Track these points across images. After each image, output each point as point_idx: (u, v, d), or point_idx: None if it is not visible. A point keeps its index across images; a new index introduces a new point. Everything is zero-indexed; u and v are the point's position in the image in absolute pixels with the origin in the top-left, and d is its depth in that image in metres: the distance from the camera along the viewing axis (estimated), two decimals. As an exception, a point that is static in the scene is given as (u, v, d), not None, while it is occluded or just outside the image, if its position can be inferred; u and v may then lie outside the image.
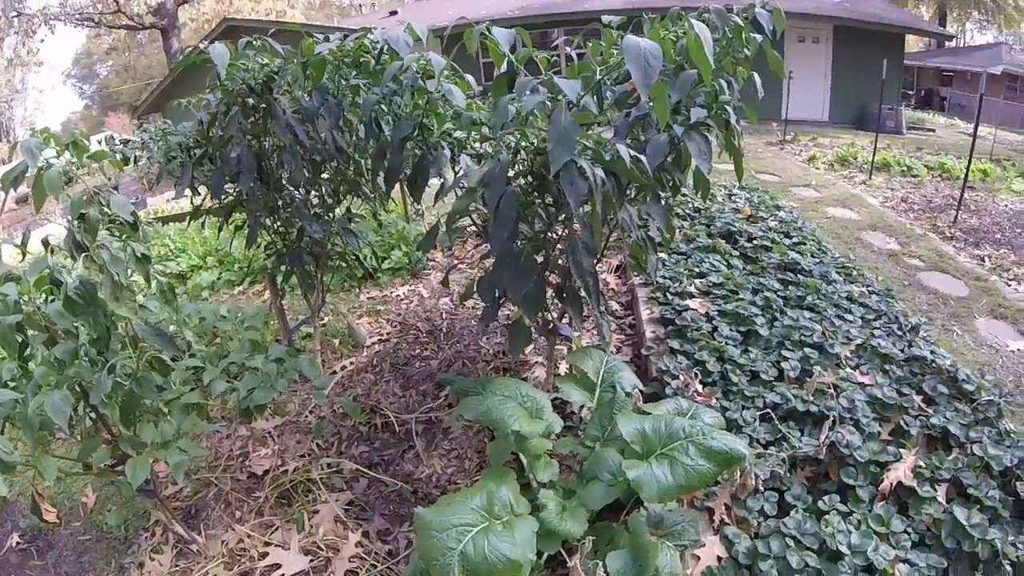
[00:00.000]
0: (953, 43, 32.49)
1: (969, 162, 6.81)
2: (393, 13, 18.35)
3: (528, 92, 1.56)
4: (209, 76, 2.59)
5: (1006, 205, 7.48)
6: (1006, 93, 23.24)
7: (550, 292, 2.22)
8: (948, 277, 4.69)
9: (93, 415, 2.13)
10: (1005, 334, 3.84)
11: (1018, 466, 2.20)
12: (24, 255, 2.06)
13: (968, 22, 37.55)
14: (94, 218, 2.01)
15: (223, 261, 5.56)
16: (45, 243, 1.95)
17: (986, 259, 5.31)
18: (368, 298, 4.41)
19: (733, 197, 5.52)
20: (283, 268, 3.17)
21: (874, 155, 8.76)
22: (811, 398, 2.56)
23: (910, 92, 24.59)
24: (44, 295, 1.97)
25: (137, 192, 12.26)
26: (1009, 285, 4.72)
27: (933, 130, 15.52)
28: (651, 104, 1.66)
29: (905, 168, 8.90)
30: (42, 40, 22.36)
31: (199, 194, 3.07)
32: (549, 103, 1.58)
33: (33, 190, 1.84)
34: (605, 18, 1.84)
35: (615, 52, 1.59)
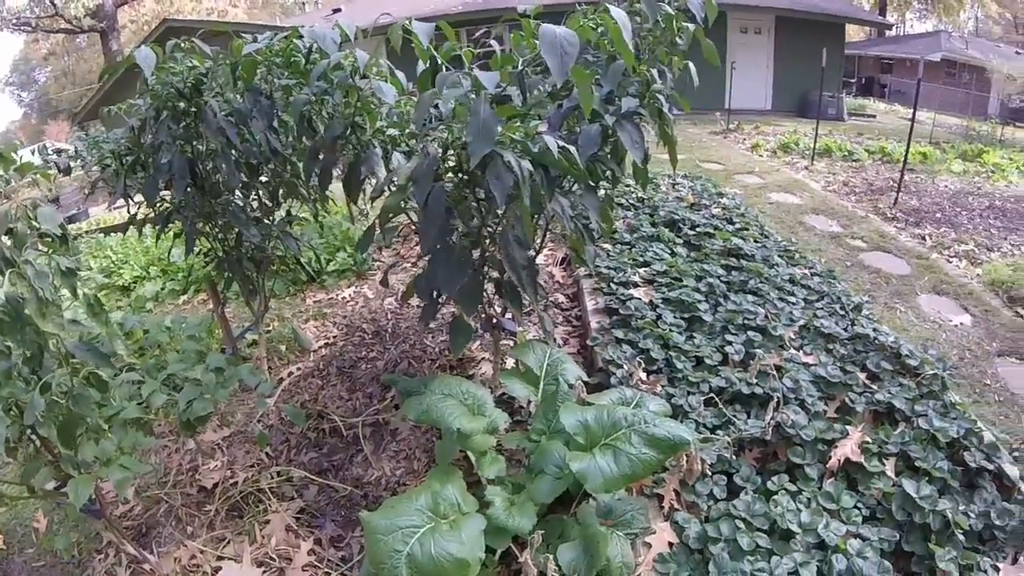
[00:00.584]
0: (893, 32, 33.63)
1: (908, 145, 7.04)
2: (337, 11, 18.05)
3: (448, 86, 1.54)
4: (139, 81, 2.50)
5: (946, 186, 7.77)
6: (945, 79, 24.18)
7: (491, 287, 2.21)
8: (890, 256, 4.84)
9: (34, 436, 2.05)
10: (948, 309, 3.99)
11: (965, 436, 2.26)
12: None
13: (908, 11, 38.96)
14: (22, 232, 1.93)
15: (167, 271, 5.39)
16: None
17: (927, 238, 5.51)
18: (314, 301, 4.34)
19: (677, 186, 5.59)
20: (224, 275, 3.09)
21: (816, 141, 9.00)
22: (755, 380, 2.59)
23: (851, 80, 25.36)
24: None
25: (78, 202, 11.80)
26: (951, 262, 4.92)
27: (874, 116, 16.08)
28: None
29: (846, 153, 9.17)
30: None
31: (133, 202, 2.97)
32: (473, 96, 1.56)
33: None
34: (521, 7, 1.84)
35: (535, 43, 1.59)
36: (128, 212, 3.09)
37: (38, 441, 2.07)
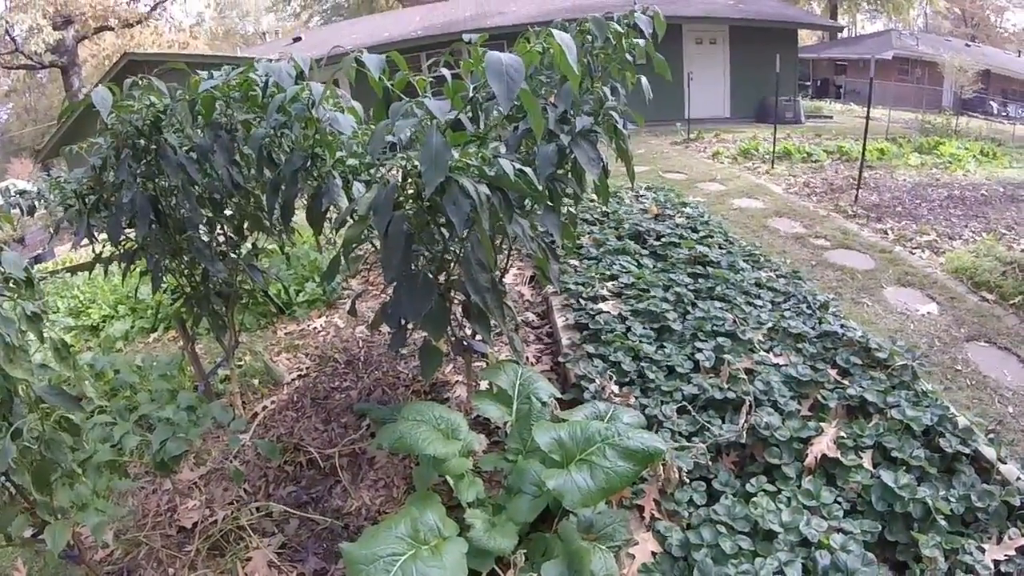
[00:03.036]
0: (845, 34, 34.63)
1: (864, 142, 7.22)
2: (297, 39, 18.15)
3: (401, 116, 1.56)
4: (98, 120, 2.49)
5: (904, 179, 7.97)
6: (898, 76, 24.94)
7: (459, 311, 2.22)
8: (854, 253, 4.96)
9: (8, 483, 2.01)
10: (914, 299, 4.09)
11: (939, 423, 2.31)
12: None
13: (859, 13, 40.17)
14: None
15: (135, 309, 5.30)
16: None
17: (889, 232, 5.63)
18: (285, 333, 4.30)
19: (640, 198, 5.68)
20: (193, 311, 3.05)
21: (774, 145, 9.20)
22: (727, 385, 2.63)
23: (807, 83, 26.05)
24: None
25: (43, 242, 11.56)
26: (913, 253, 5.03)
27: (831, 117, 16.50)
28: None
29: (805, 155, 9.38)
30: None
31: (96, 241, 2.94)
32: (428, 124, 1.58)
33: None
34: (466, 36, 1.87)
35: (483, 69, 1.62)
36: (93, 251, 3.06)
37: (12, 488, 2.03)
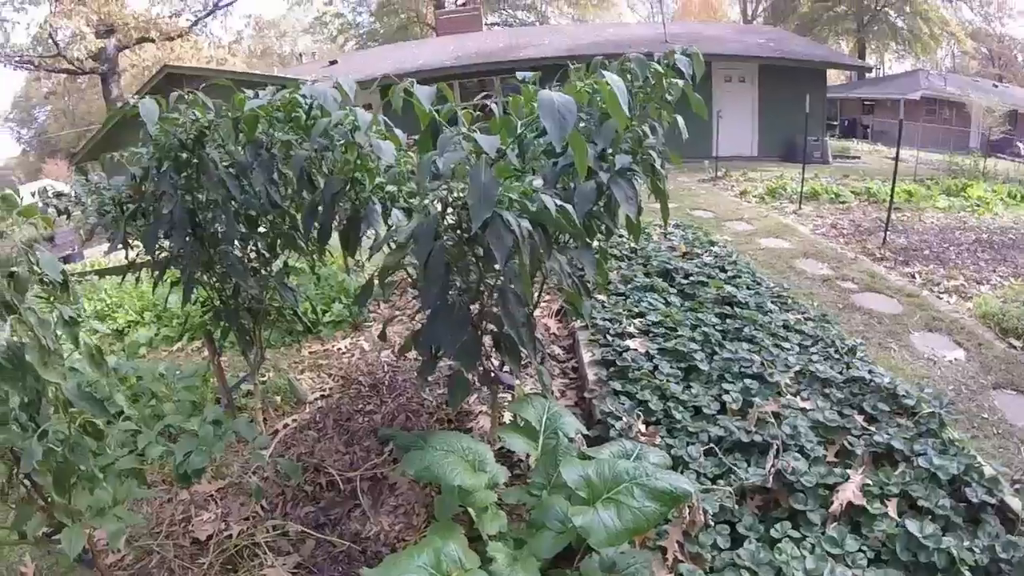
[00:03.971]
0: (873, 73, 34.69)
1: (893, 185, 7.16)
2: (333, 63, 18.55)
3: (450, 148, 1.58)
4: (141, 129, 2.55)
5: (932, 222, 7.87)
6: (926, 116, 24.81)
7: (488, 341, 2.22)
8: (881, 296, 4.89)
9: (27, 482, 2.03)
10: (941, 345, 4.02)
11: (965, 472, 2.28)
12: None
13: (887, 52, 40.26)
14: (24, 277, 1.94)
15: (161, 317, 5.37)
16: None
17: (917, 275, 5.55)
18: (310, 352, 4.32)
19: (669, 235, 5.69)
20: (220, 325, 3.09)
21: (802, 185, 9.16)
22: (754, 428, 2.60)
23: (835, 123, 26.01)
24: None
25: (74, 243, 11.80)
26: (941, 298, 4.96)
27: (858, 157, 16.45)
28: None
29: (833, 195, 9.32)
30: None
31: (132, 248, 2.99)
32: (473, 157, 1.60)
33: None
34: (520, 74, 1.90)
35: (534, 106, 1.65)
36: (126, 257, 3.11)
37: (30, 486, 2.05)
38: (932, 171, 13.41)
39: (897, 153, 7.19)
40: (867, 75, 32.16)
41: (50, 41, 21.77)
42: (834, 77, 30.84)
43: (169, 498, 2.89)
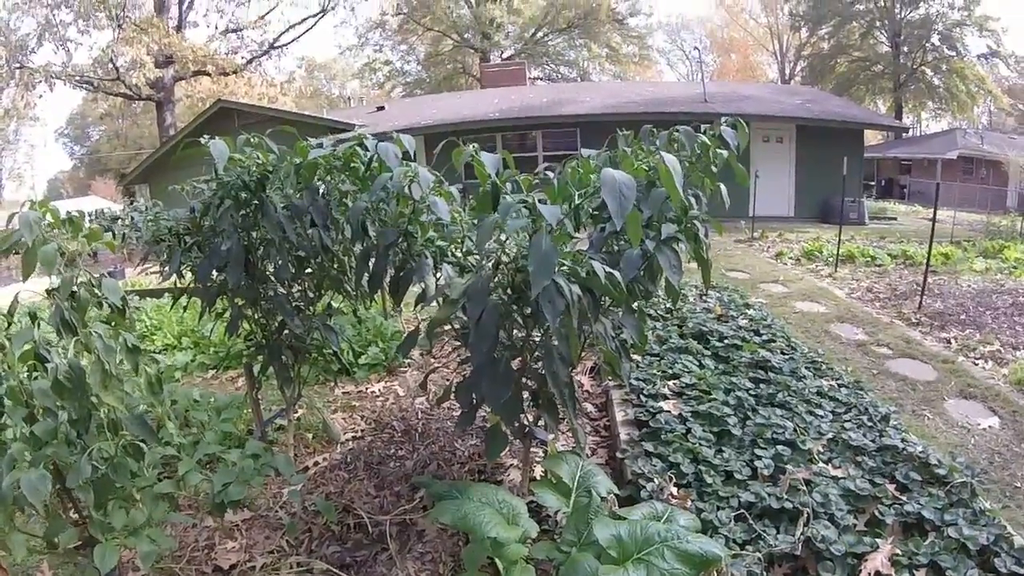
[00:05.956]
0: (910, 133, 34.60)
1: (930, 248, 7.10)
2: (380, 109, 19.16)
3: (512, 215, 1.66)
4: (205, 165, 2.67)
5: (969, 285, 7.72)
6: (963, 176, 24.58)
7: (526, 395, 2.26)
8: (916, 362, 4.82)
9: (63, 494, 2.09)
10: (976, 413, 3.95)
11: (995, 543, 2.25)
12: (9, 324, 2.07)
13: (923, 111, 40.21)
14: (84, 299, 2.04)
15: (198, 343, 5.50)
16: (32, 316, 1.98)
17: (952, 341, 5.45)
18: (343, 393, 4.38)
19: (704, 296, 5.69)
20: (260, 359, 3.17)
21: (839, 248, 9.11)
22: (785, 495, 2.59)
23: (871, 183, 25.88)
24: (28, 370, 1.98)
25: (116, 261, 12.21)
26: (976, 364, 4.86)
27: (895, 218, 16.30)
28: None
29: (869, 258, 9.24)
30: (40, 96, 22.82)
31: (183, 279, 3.10)
32: (539, 228, 1.68)
33: (23, 260, 1.89)
34: (584, 152, 1.99)
35: (592, 179, 1.73)
36: (175, 284, 3.21)
37: (67, 500, 2.11)
38: (969, 232, 13.22)
39: (934, 216, 7.13)
40: (904, 135, 32.09)
41: (110, 65, 22.77)
42: (871, 136, 30.83)
43: (194, 524, 2.92)
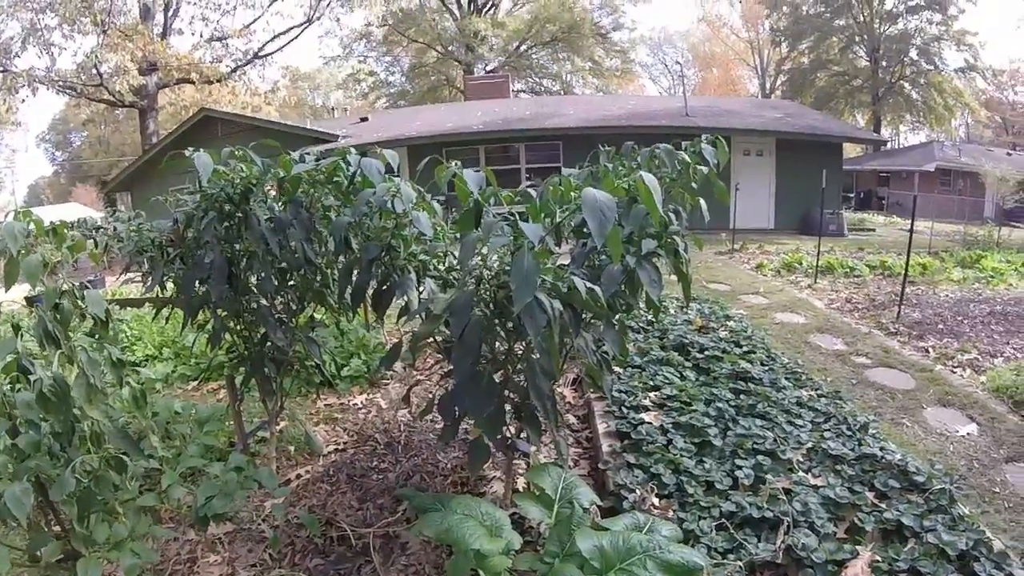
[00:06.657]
0: (888, 146, 35.25)
1: (908, 259, 7.23)
2: (364, 119, 19.12)
3: (496, 232, 1.69)
4: (188, 175, 2.66)
5: (946, 295, 7.87)
6: (940, 187, 25.06)
7: (508, 408, 2.29)
8: (895, 372, 4.89)
9: (45, 507, 2.07)
10: (954, 420, 4.02)
11: (974, 548, 2.30)
12: None
13: (901, 124, 41.04)
14: (67, 311, 2.04)
15: (179, 354, 5.45)
16: (15, 327, 1.97)
17: (930, 350, 5.55)
18: (325, 405, 4.36)
19: (685, 309, 5.72)
20: (242, 370, 3.16)
21: (818, 259, 9.25)
22: (765, 504, 2.62)
23: (850, 195, 26.29)
24: (11, 381, 1.96)
25: (95, 271, 12.02)
26: (954, 372, 4.95)
27: (873, 229, 16.58)
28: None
29: (848, 269, 9.38)
30: (23, 100, 22.30)
31: (166, 290, 3.08)
32: (521, 246, 1.71)
33: (6, 270, 1.89)
34: (566, 171, 2.03)
35: (573, 196, 1.77)
36: (157, 295, 3.19)
37: (50, 513, 2.09)
38: (947, 242, 13.46)
39: (912, 227, 7.27)
40: (882, 147, 32.66)
41: (94, 71, 22.49)
42: (850, 149, 31.36)
43: (176, 537, 2.89)
